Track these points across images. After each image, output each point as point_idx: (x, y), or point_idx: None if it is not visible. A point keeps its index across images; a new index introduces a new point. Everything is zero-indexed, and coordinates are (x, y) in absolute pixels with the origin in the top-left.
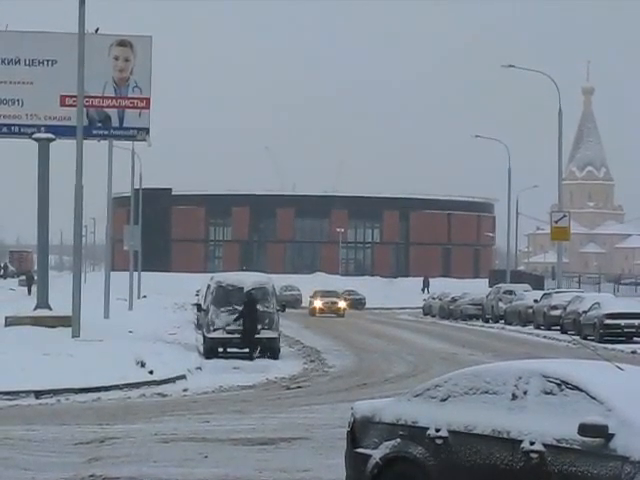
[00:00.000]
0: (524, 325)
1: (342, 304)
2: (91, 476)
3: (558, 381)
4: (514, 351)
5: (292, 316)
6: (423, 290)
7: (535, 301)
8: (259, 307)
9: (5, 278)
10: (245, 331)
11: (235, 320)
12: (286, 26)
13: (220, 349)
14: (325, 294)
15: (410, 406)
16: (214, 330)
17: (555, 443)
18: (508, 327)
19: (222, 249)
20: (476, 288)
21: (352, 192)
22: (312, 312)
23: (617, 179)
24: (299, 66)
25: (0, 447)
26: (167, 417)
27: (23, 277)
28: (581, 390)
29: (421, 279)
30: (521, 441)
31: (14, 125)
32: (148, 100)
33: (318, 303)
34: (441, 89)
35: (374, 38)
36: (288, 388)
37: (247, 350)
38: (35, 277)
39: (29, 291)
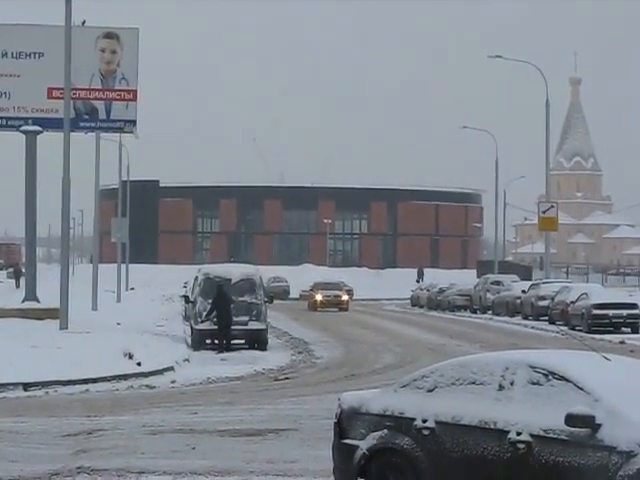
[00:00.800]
0: (512, 316)
1: (345, 297)
2: (79, 468)
3: (545, 371)
4: (502, 342)
5: (280, 307)
6: (418, 281)
7: (523, 292)
8: (245, 298)
9: None
10: (219, 324)
11: (207, 315)
12: (272, 17)
13: (208, 341)
14: (326, 286)
15: (397, 397)
16: (202, 322)
17: (542, 433)
18: (496, 318)
19: (210, 241)
20: (464, 279)
21: (339, 183)
22: (313, 306)
23: (605, 169)
24: (287, 57)
25: None
26: (155, 409)
27: (11, 270)
28: (568, 380)
29: (410, 270)
30: (508, 431)
31: (1, 118)
32: (135, 92)
33: (319, 296)
34: (428, 80)
35: (361, 31)
36: (276, 379)
37: (224, 342)
38: (23, 271)
39: (17, 284)
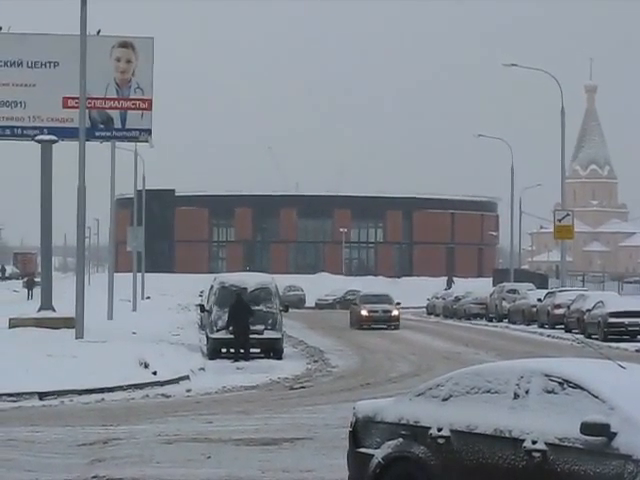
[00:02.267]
0: (528, 324)
1: (395, 312)
2: (94, 477)
3: (560, 380)
4: (517, 350)
5: (296, 316)
6: (447, 289)
7: (539, 300)
8: (261, 307)
9: (4, 280)
10: (236, 333)
11: (227, 323)
12: (289, 25)
13: (224, 349)
14: (373, 299)
15: (412, 406)
16: (217, 330)
17: (557, 442)
18: (512, 326)
19: (225, 250)
20: (480, 287)
21: (355, 192)
22: (357, 322)
23: (621, 177)
24: (302, 65)
25: (4, 448)
26: (170, 418)
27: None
28: (583, 389)
29: (426, 278)
30: (523, 440)
31: (17, 127)
32: (150, 101)
33: (364, 311)
34: (444, 88)
35: (377, 38)
36: (291, 388)
37: (241, 351)
38: (36, 280)
39: (29, 295)
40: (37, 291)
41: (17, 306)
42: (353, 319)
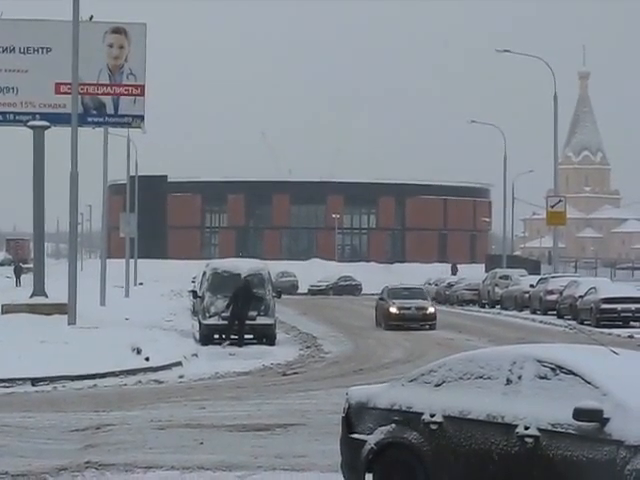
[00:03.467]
0: (520, 310)
1: (432, 309)
2: (87, 463)
3: (552, 366)
4: (510, 336)
5: (288, 302)
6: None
7: (531, 286)
8: (255, 292)
9: None
10: (232, 317)
11: (227, 307)
12: (283, 12)
13: (216, 335)
14: (404, 294)
15: (405, 391)
16: (210, 317)
17: (550, 428)
18: (504, 312)
19: (218, 236)
20: (472, 273)
21: (348, 178)
22: (385, 320)
23: (613, 163)
24: (296, 51)
25: None
26: (163, 404)
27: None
28: (576, 374)
29: (419, 264)
30: (516, 426)
31: (9, 113)
32: (143, 87)
33: (394, 308)
34: (437, 74)
35: (370, 28)
36: (284, 374)
37: (236, 337)
38: (24, 267)
39: (17, 282)
40: (26, 278)
41: (4, 293)
42: (380, 317)
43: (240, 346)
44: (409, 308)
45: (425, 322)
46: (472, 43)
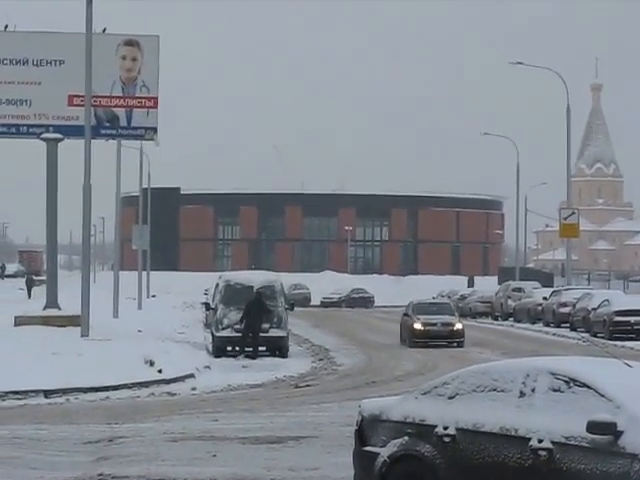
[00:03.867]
0: (533, 322)
1: (459, 325)
2: (100, 475)
3: (566, 378)
4: (523, 349)
5: (301, 314)
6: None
7: (544, 298)
8: (268, 304)
9: (3, 278)
10: (246, 330)
11: (240, 320)
12: (293, 23)
13: (229, 348)
14: (430, 309)
15: (418, 404)
16: (223, 329)
17: (563, 441)
18: (517, 324)
19: (230, 248)
20: (485, 286)
21: (360, 190)
22: (411, 338)
23: (626, 176)
24: (306, 64)
25: (9, 446)
26: (176, 416)
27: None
28: (589, 387)
29: (432, 277)
30: (529, 439)
31: (22, 125)
32: (156, 99)
33: (418, 324)
34: (449, 86)
35: (380, 38)
36: (297, 387)
37: (250, 349)
38: (35, 279)
39: (29, 294)
40: (37, 290)
41: (16, 306)
42: (405, 333)
43: (254, 358)
44: (435, 324)
45: (452, 339)
46: (483, 54)
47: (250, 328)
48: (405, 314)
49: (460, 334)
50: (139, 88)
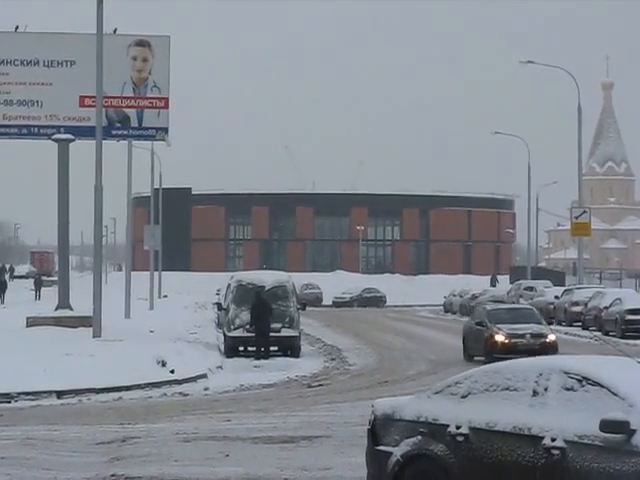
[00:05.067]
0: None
1: (552, 336)
2: (113, 475)
3: (579, 377)
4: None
5: (313, 314)
6: (492, 286)
7: (556, 297)
8: (279, 304)
9: (12, 280)
10: (258, 332)
11: (250, 323)
12: (304, 23)
13: (241, 348)
14: (510, 317)
15: (430, 403)
16: (235, 329)
17: (576, 439)
18: None
19: (242, 248)
20: (497, 285)
21: (372, 190)
22: (490, 352)
23: (638, 174)
24: (317, 63)
25: (22, 447)
26: (188, 416)
27: (44, 278)
28: (602, 386)
29: (443, 276)
30: (542, 438)
31: (34, 126)
32: (167, 100)
33: (500, 336)
34: (460, 86)
35: (391, 38)
36: (309, 386)
37: (262, 350)
38: (46, 280)
39: (37, 295)
40: (46, 291)
41: (27, 306)
42: (479, 348)
43: (266, 358)
44: (523, 336)
45: (546, 350)
46: (494, 53)
47: (260, 330)
48: (478, 323)
49: (554, 347)
50: (150, 88)
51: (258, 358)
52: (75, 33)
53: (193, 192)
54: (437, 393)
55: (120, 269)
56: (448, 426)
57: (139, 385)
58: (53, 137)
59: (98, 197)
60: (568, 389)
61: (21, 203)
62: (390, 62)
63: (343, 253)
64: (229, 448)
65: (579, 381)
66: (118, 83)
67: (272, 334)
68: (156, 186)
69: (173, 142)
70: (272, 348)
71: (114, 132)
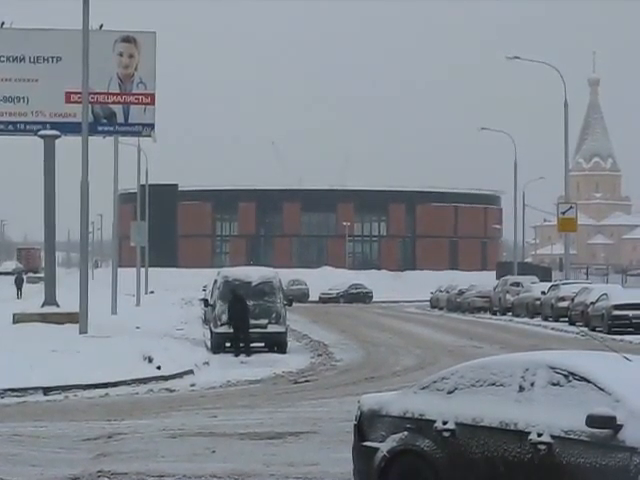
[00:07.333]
0: (532, 317)
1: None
2: (99, 472)
3: (565, 372)
4: (522, 343)
5: (299, 310)
6: None
7: (543, 293)
8: (266, 300)
9: None
10: (235, 328)
11: (229, 319)
12: (289, 18)
13: (227, 344)
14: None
15: (417, 399)
16: (221, 325)
17: (563, 435)
18: (516, 319)
19: (229, 244)
20: (483, 280)
21: (358, 186)
22: None
23: (624, 170)
24: (305, 60)
25: (9, 443)
26: (175, 412)
27: (31, 274)
28: (589, 381)
29: (430, 272)
30: (529, 433)
31: (20, 122)
32: (153, 96)
33: None
34: (446, 81)
35: (378, 32)
36: (296, 382)
37: (242, 346)
38: (31, 277)
39: (18, 294)
40: (33, 288)
41: (13, 303)
42: None
43: (248, 355)
44: None
45: None
46: (481, 48)
47: (236, 327)
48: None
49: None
50: (136, 85)
51: (237, 355)
52: (61, 29)
53: (179, 188)
54: (423, 389)
55: (98, 266)
56: (434, 422)
57: (125, 381)
58: (39, 133)
59: (84, 193)
60: (554, 384)
61: (7, 199)
62: (377, 58)
63: (330, 249)
64: (216, 444)
65: (565, 376)
66: (104, 79)
67: (259, 330)
68: (142, 182)
69: (159, 138)
70: (259, 344)
71: (100, 128)
